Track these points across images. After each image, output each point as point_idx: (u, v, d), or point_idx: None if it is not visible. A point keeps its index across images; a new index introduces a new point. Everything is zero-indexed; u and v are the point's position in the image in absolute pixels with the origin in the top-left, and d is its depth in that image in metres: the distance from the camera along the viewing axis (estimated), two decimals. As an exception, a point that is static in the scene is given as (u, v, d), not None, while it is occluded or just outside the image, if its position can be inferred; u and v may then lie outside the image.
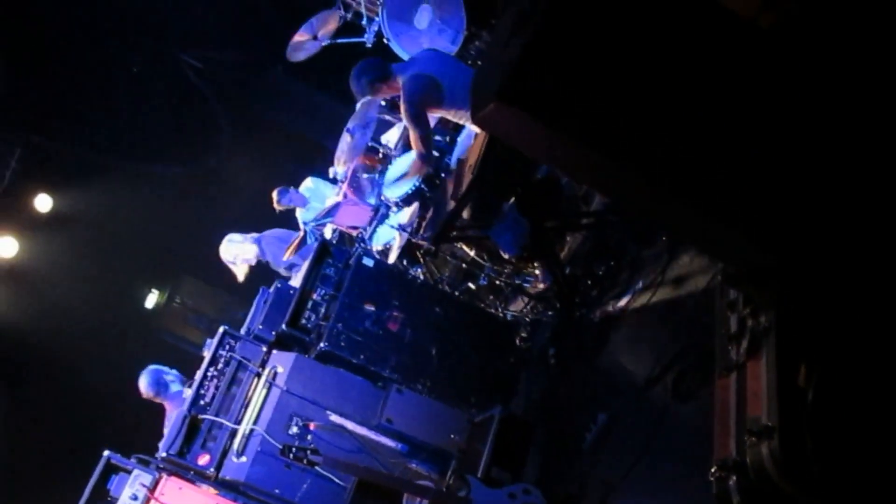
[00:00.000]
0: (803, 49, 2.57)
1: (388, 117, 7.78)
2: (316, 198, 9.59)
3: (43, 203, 10.80)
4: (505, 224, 5.27)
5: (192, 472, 5.05)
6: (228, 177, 11.92)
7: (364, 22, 6.91)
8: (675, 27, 2.43)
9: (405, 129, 6.86)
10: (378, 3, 6.59)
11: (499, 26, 3.14)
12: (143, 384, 6.71)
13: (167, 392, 6.72)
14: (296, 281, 6.94)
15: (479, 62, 4.97)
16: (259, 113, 11.71)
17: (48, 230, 10.96)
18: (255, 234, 7.85)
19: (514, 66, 2.32)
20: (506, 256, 5.47)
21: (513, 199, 5.25)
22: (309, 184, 9.65)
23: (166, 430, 6.67)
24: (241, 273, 7.78)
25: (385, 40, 6.53)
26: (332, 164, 9.11)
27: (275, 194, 9.45)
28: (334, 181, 7.93)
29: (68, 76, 10.51)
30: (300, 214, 9.60)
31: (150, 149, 11.19)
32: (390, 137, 7.40)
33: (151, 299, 14.50)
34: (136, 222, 11.72)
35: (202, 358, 5.76)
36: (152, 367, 6.87)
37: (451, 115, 5.54)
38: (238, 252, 7.63)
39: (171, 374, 6.75)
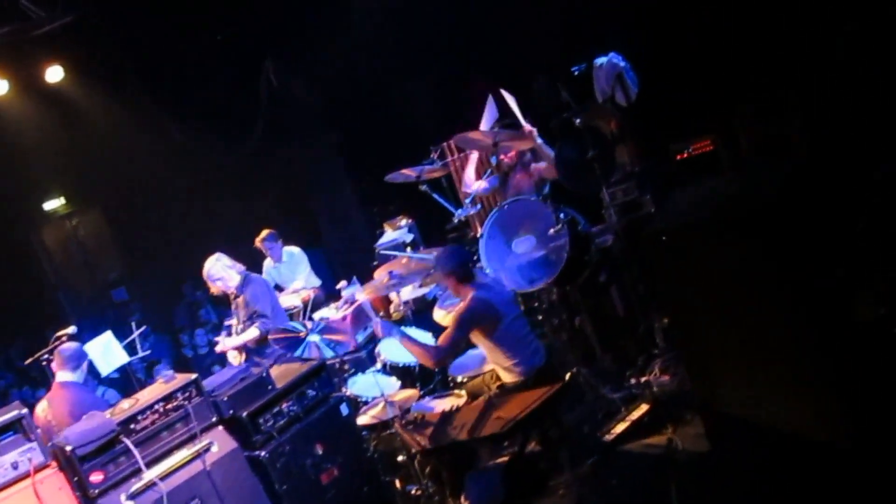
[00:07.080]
0: None
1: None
2: (289, 266, 9.56)
3: (54, 74, 10.36)
4: (483, 478, 5.38)
5: (77, 481, 4.79)
6: (225, 182, 11.73)
7: (468, 201, 7.11)
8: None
9: None
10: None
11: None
12: (67, 350, 6.40)
13: (74, 372, 6.41)
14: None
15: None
16: (295, 158, 11.66)
17: (42, 97, 10.51)
18: (242, 267, 7.69)
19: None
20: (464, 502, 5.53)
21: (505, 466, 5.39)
22: (294, 250, 9.67)
23: (43, 413, 6.26)
24: (215, 291, 7.64)
25: (477, 235, 6.73)
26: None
27: (265, 232, 9.42)
28: (337, 293, 7.90)
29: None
30: (267, 266, 9.52)
31: (182, 106, 10.97)
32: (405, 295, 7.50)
33: (52, 204, 13.76)
34: (116, 144, 11.36)
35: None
36: (86, 344, 6.59)
37: (487, 348, 5.70)
38: (226, 276, 7.47)
39: (83, 366, 6.45)
